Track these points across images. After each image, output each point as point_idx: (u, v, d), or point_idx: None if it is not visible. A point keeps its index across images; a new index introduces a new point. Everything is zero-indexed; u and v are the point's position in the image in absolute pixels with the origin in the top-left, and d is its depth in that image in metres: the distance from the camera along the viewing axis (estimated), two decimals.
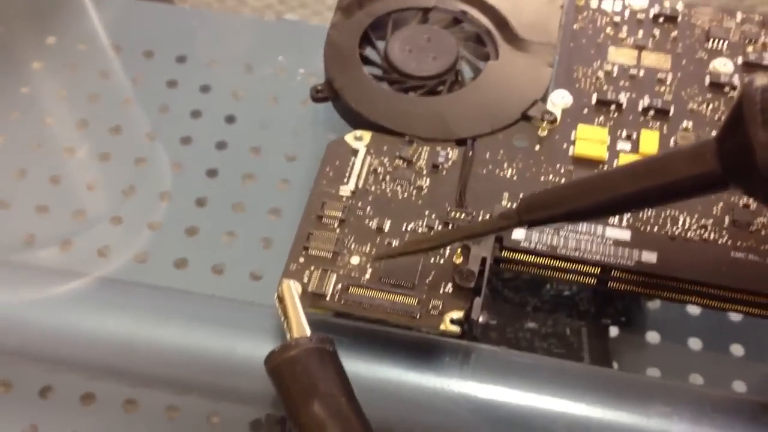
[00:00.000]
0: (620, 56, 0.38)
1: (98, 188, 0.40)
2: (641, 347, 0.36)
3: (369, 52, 0.38)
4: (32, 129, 0.41)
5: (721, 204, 0.33)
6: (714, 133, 0.35)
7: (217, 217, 0.39)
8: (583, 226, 0.32)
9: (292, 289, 0.30)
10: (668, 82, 0.37)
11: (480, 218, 0.33)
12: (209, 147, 0.41)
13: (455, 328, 0.29)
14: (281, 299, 0.29)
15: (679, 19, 0.39)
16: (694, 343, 0.36)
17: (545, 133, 0.35)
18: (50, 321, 0.32)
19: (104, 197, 0.40)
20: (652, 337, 0.36)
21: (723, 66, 0.37)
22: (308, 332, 0.28)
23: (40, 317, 0.32)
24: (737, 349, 0.36)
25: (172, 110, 0.42)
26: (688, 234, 0.32)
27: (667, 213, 0.33)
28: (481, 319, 0.30)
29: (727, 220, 0.33)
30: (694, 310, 0.36)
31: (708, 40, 0.38)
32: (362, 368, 0.30)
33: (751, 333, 0.36)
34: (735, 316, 0.36)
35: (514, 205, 0.32)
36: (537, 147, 0.35)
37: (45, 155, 0.40)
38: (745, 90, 0.25)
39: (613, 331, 0.36)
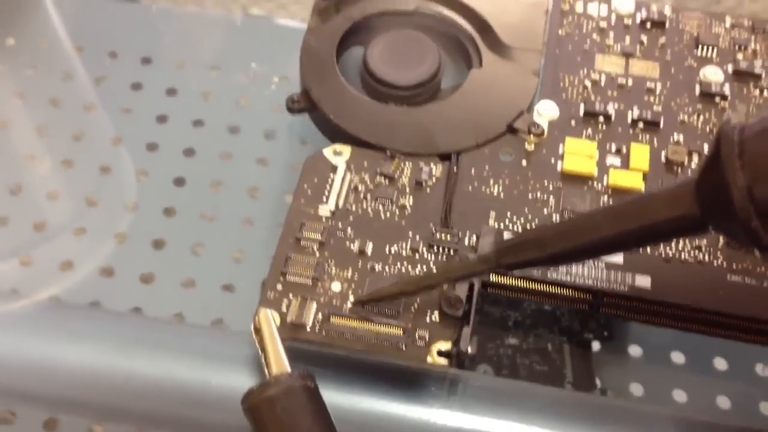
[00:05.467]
0: (607, 64, 0.37)
1: (60, 198, 0.38)
2: (624, 362, 0.35)
3: (347, 59, 0.37)
4: None
5: None
6: (705, 146, 0.34)
7: (186, 227, 0.37)
8: None
9: (270, 319, 0.28)
10: (657, 92, 0.36)
11: (466, 240, 0.31)
12: (176, 153, 0.39)
13: (443, 361, 0.28)
14: (258, 331, 0.28)
15: (667, 24, 0.38)
16: (677, 357, 0.35)
17: (532, 146, 0.34)
18: (5, 348, 0.30)
19: (66, 207, 0.38)
20: (635, 351, 0.35)
21: (713, 75, 0.36)
22: (288, 368, 0.26)
23: None
24: (721, 364, 0.35)
25: (137, 114, 0.40)
26: (682, 255, 0.31)
27: None
28: (470, 350, 0.28)
29: (721, 240, 0.31)
30: None
31: (697, 47, 0.37)
32: (344, 400, 0.28)
33: (734, 347, 0.34)
34: None
35: (501, 225, 0.32)
36: (524, 162, 0.34)
37: (4, 162, 0.39)
38: (722, 130, 0.23)
39: (595, 345, 0.35)
